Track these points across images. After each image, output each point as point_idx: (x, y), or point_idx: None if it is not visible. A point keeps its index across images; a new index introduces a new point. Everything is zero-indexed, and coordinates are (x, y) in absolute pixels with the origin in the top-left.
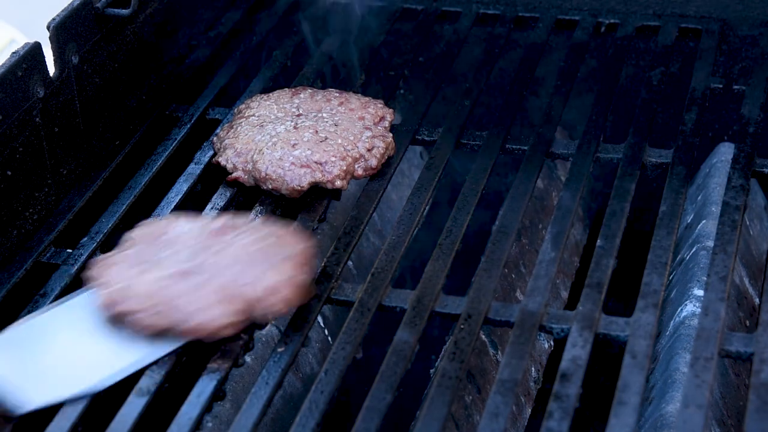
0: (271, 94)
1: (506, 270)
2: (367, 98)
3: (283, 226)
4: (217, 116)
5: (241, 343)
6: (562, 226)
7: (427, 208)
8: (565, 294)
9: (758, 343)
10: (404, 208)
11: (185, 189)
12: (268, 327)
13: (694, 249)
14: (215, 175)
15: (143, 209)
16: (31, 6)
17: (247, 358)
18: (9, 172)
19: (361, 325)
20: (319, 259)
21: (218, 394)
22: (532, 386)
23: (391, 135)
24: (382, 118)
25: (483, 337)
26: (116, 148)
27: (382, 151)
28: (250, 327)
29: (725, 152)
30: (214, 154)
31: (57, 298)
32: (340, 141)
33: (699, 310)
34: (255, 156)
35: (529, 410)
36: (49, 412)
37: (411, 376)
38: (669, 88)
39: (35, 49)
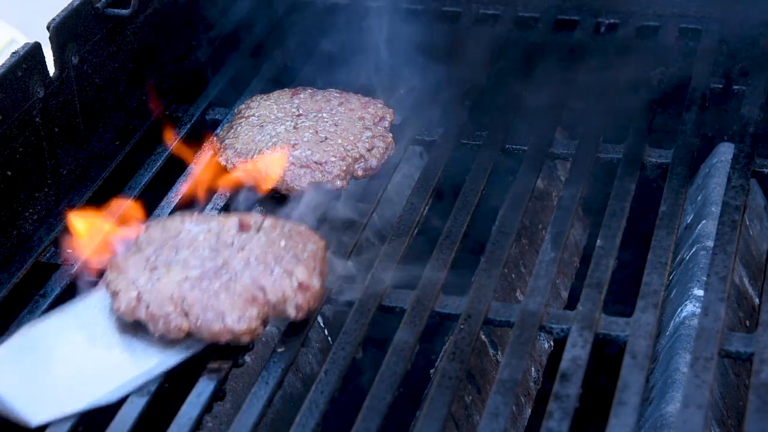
0: (271, 94)
1: (506, 270)
2: (367, 98)
3: (296, 225)
4: (217, 116)
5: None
6: (562, 226)
7: (427, 208)
8: (565, 294)
9: (758, 343)
10: (404, 208)
11: (185, 189)
12: (268, 327)
13: (694, 249)
14: (215, 175)
15: (143, 209)
16: (31, 6)
17: (247, 358)
18: (9, 172)
19: (361, 325)
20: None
21: (218, 394)
22: (532, 386)
23: (391, 135)
24: (382, 118)
25: (483, 337)
26: (116, 148)
27: (382, 151)
28: None
29: (725, 152)
30: (214, 154)
31: (57, 298)
32: (340, 141)
33: (699, 310)
34: (255, 156)
35: (529, 410)
36: None
37: (411, 376)
38: (669, 88)
39: (35, 49)
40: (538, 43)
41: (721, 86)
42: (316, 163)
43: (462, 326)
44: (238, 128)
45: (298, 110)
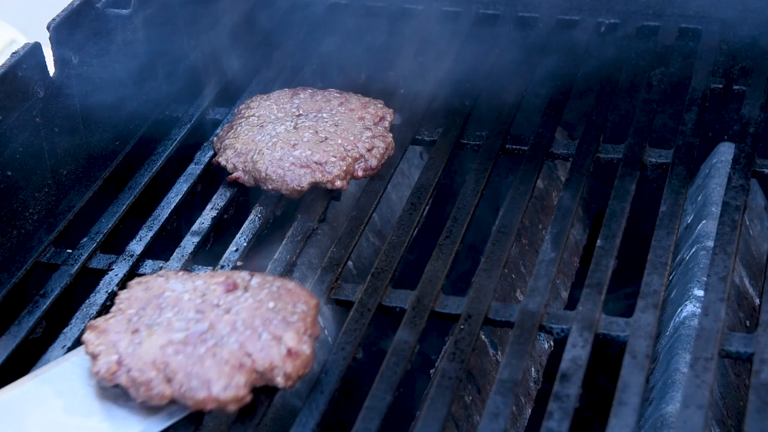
0: (271, 95)
1: (506, 270)
2: (367, 98)
3: (286, 282)
4: (217, 116)
5: None
6: (562, 226)
7: (427, 208)
8: (565, 294)
9: (758, 344)
10: (404, 208)
11: (185, 189)
12: None
13: (694, 249)
14: (215, 175)
15: (143, 209)
16: (31, 6)
17: None
18: (9, 173)
19: (361, 325)
20: (319, 260)
21: None
22: (532, 386)
23: (391, 135)
24: (382, 118)
25: (483, 337)
26: (116, 148)
27: (382, 151)
28: None
29: (725, 152)
30: (214, 154)
31: (57, 298)
32: (340, 141)
33: (699, 310)
34: (255, 156)
35: (529, 410)
36: None
37: (411, 376)
38: (669, 88)
39: (35, 49)
40: (538, 43)
41: (721, 86)
42: (316, 163)
43: (462, 326)
44: (238, 128)
45: (298, 110)
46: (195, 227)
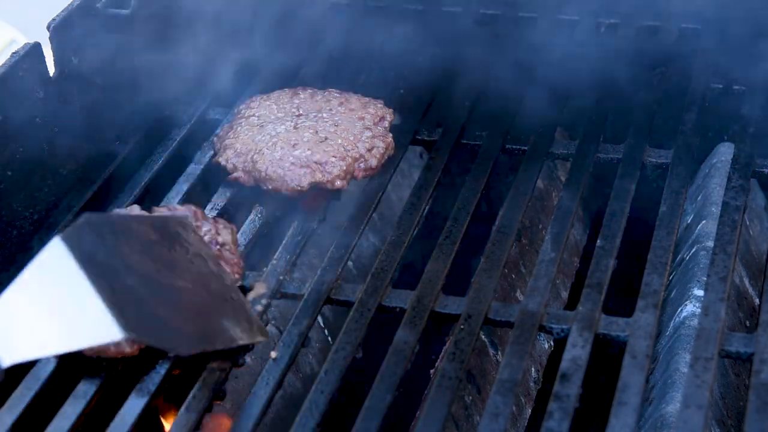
0: (271, 95)
1: (506, 270)
2: (367, 98)
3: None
4: (217, 116)
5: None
6: (562, 226)
7: (427, 208)
8: (565, 294)
9: (758, 344)
10: (404, 208)
11: (185, 189)
12: (268, 327)
13: (694, 249)
14: (215, 175)
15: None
16: (31, 6)
17: (247, 358)
18: (9, 173)
19: (361, 325)
20: (319, 260)
21: (218, 394)
22: (532, 386)
23: (391, 135)
24: (382, 118)
25: (483, 337)
26: (116, 148)
27: (382, 151)
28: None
29: (725, 152)
30: (214, 154)
31: None
32: (340, 141)
33: (699, 310)
34: (255, 156)
35: (529, 410)
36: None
37: (411, 376)
38: (669, 88)
39: (35, 49)
40: (538, 43)
41: (721, 86)
42: (316, 163)
43: (462, 326)
44: (238, 128)
45: (298, 110)
46: None
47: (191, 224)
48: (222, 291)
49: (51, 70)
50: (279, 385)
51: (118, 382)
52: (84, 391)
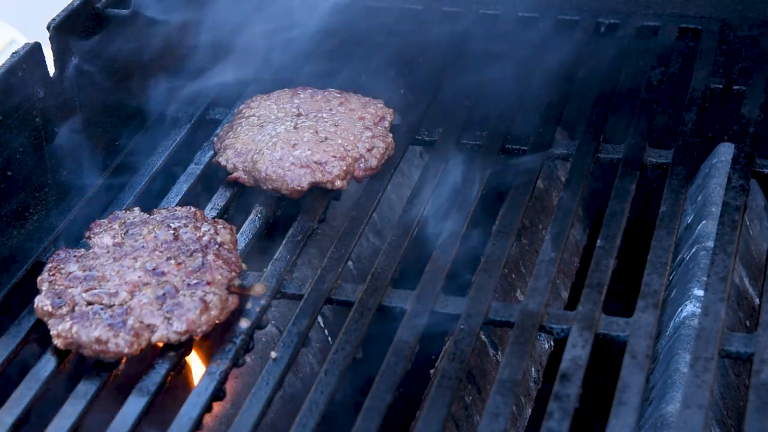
0: (271, 94)
1: (506, 270)
2: (367, 98)
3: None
4: (217, 116)
5: (241, 343)
6: (562, 226)
7: (427, 208)
8: (565, 294)
9: (758, 344)
10: (404, 208)
11: (185, 189)
12: (268, 327)
13: (694, 249)
14: (215, 175)
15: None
16: (31, 6)
17: (247, 358)
18: (9, 173)
19: (361, 325)
20: (319, 260)
21: (218, 394)
22: (532, 386)
23: (391, 135)
24: (382, 118)
25: (483, 337)
26: (116, 148)
27: (382, 151)
28: (250, 327)
29: (725, 152)
30: (214, 154)
31: None
32: (340, 141)
33: (699, 310)
34: (255, 156)
35: (529, 410)
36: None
37: (411, 376)
38: (669, 88)
39: (35, 49)
40: (539, 43)
41: (721, 86)
42: (316, 163)
43: (462, 326)
44: (238, 128)
45: (298, 110)
46: None
47: None
48: None
49: (51, 70)
50: (279, 385)
51: (118, 382)
52: (84, 391)
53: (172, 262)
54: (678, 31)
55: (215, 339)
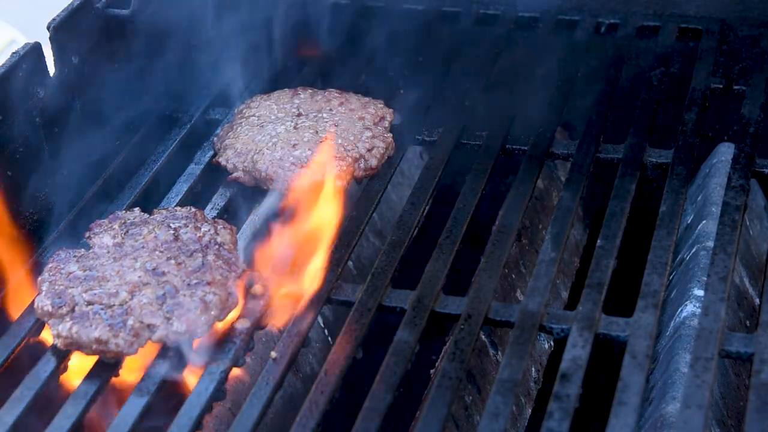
0: (271, 95)
1: (506, 270)
2: (367, 98)
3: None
4: (217, 116)
5: (241, 343)
6: (562, 226)
7: (427, 208)
8: (565, 294)
9: (758, 344)
10: (404, 208)
11: (185, 189)
12: (268, 327)
13: (694, 249)
14: (215, 175)
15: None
16: (31, 6)
17: (247, 358)
18: (9, 173)
19: (361, 325)
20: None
21: (218, 394)
22: (532, 386)
23: (391, 135)
24: (382, 118)
25: (483, 337)
26: (116, 148)
27: (382, 151)
28: (250, 327)
29: (725, 152)
30: (214, 154)
31: None
32: (340, 141)
33: (699, 310)
34: (255, 156)
35: (529, 410)
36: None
37: (411, 376)
38: (669, 88)
39: (35, 49)
40: (538, 43)
41: (721, 86)
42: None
43: (462, 326)
44: (238, 128)
45: (298, 110)
46: None
47: None
48: None
49: (51, 70)
50: (279, 385)
51: (117, 382)
52: (84, 391)
53: (172, 262)
54: (678, 31)
55: (215, 339)
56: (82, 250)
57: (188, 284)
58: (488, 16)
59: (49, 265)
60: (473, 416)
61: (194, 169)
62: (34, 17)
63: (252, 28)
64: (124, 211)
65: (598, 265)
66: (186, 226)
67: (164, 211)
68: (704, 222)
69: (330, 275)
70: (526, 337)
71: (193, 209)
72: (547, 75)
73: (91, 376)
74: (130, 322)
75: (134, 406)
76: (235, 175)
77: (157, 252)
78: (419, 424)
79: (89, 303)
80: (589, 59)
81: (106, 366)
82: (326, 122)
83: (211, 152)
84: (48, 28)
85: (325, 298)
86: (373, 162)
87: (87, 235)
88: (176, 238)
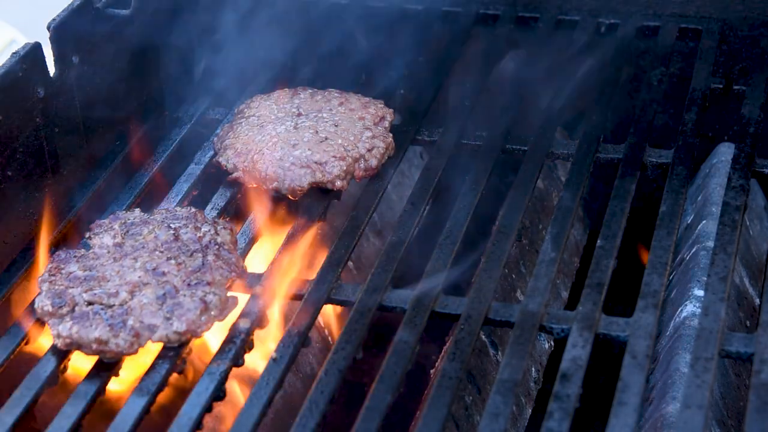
0: (271, 94)
1: (506, 270)
2: (367, 98)
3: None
4: (217, 116)
5: (241, 343)
6: (562, 226)
7: (427, 208)
8: (565, 294)
9: (758, 344)
10: (404, 208)
11: (185, 189)
12: (268, 327)
13: (694, 249)
14: (215, 175)
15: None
16: (31, 6)
17: (248, 358)
18: (9, 173)
19: (361, 325)
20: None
21: (218, 394)
22: (533, 386)
23: (391, 135)
24: (382, 118)
25: (483, 337)
26: (116, 148)
27: (382, 151)
28: (250, 327)
29: (725, 152)
30: (214, 154)
31: None
32: (340, 141)
33: (699, 310)
34: (255, 156)
35: (529, 410)
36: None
37: (411, 376)
38: (669, 88)
39: (35, 49)
40: (538, 43)
41: (721, 86)
42: (316, 163)
43: (462, 326)
44: (238, 128)
45: (298, 110)
46: None
47: None
48: None
49: (51, 70)
50: (279, 385)
51: (117, 382)
52: (84, 391)
53: (173, 262)
54: (678, 31)
55: (215, 339)
56: (82, 250)
57: (188, 284)
58: (488, 16)
59: (49, 266)
60: (473, 416)
61: (194, 169)
62: (34, 17)
63: (252, 27)
64: (124, 211)
65: (598, 265)
66: (186, 226)
67: (164, 211)
68: (704, 222)
69: (330, 275)
70: (526, 337)
71: (193, 209)
72: (547, 75)
73: (91, 376)
74: (130, 322)
75: (134, 406)
76: (235, 175)
77: (157, 252)
78: (419, 424)
79: (89, 303)
80: (589, 59)
81: (106, 366)
82: (326, 122)
83: (211, 152)
84: (48, 28)
85: (325, 298)
86: (373, 162)
87: (87, 235)
88: (176, 238)
